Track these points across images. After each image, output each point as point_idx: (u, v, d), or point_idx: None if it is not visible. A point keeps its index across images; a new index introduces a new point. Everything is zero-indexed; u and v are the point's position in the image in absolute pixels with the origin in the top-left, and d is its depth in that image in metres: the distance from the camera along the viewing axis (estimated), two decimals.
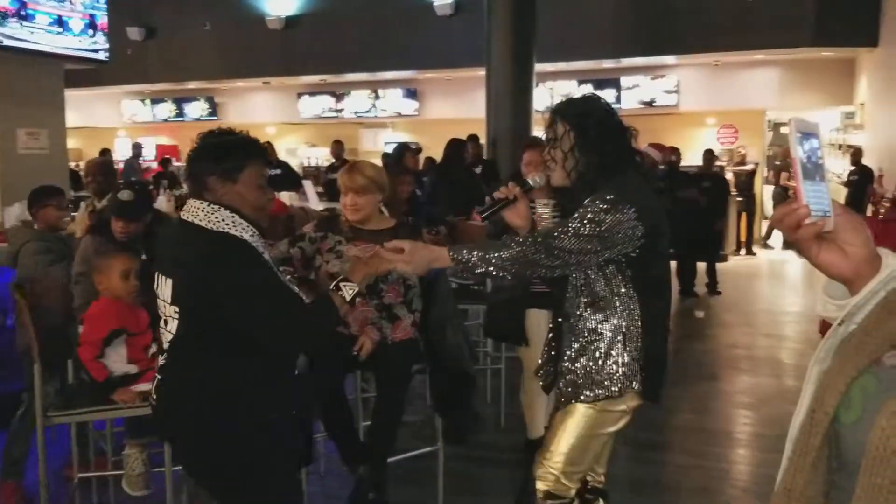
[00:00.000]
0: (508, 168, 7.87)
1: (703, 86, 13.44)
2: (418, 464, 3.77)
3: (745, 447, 4.64)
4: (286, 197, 7.94)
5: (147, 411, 3.14)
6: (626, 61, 13.15)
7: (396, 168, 6.78)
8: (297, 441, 2.47)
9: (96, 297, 3.31)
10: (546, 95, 13.80)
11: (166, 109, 17.54)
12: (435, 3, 12.81)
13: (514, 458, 4.17)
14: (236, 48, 14.34)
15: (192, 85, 16.06)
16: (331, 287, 2.41)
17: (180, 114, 17.49)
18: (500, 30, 9.38)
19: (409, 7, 12.97)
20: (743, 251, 12.32)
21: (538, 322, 3.94)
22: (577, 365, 2.43)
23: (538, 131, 9.92)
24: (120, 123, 18.17)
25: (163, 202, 8.01)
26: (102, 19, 9.02)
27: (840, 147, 12.50)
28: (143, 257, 3.46)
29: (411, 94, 15.52)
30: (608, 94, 12.68)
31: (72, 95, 9.63)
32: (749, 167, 12.88)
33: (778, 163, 13.44)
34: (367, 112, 15.93)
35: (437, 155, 9.18)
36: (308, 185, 8.45)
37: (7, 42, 7.86)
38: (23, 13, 7.98)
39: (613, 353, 2.38)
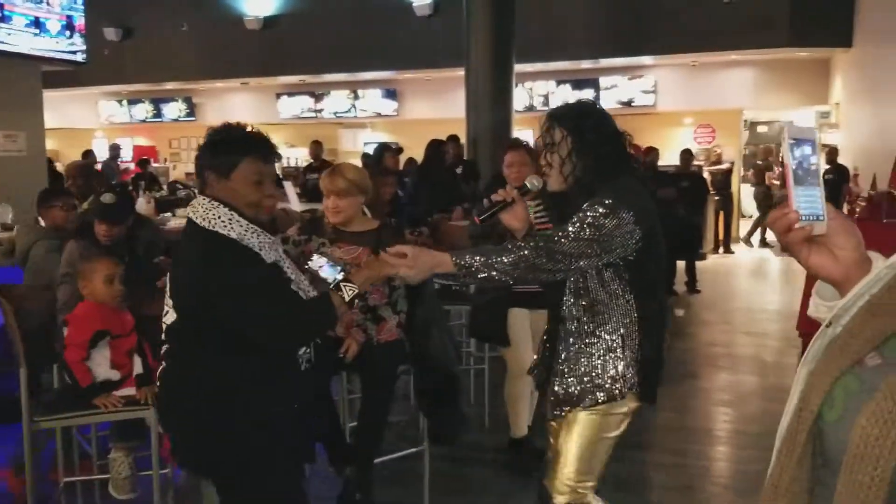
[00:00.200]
0: (489, 168, 7.88)
1: (680, 86, 13.54)
2: (404, 464, 3.78)
3: (725, 444, 4.67)
4: None
5: (133, 415, 3.16)
6: (605, 62, 13.23)
7: (377, 168, 6.79)
8: (298, 439, 2.44)
9: (81, 298, 3.29)
10: (525, 96, 13.89)
11: (144, 110, 17.40)
12: (414, 4, 12.79)
13: (498, 458, 4.21)
14: (214, 48, 14.24)
15: (169, 85, 15.96)
16: (331, 287, 2.41)
17: (158, 114, 17.36)
18: (479, 30, 9.39)
19: (388, 7, 12.94)
20: (721, 249, 12.43)
21: (521, 323, 3.98)
22: (576, 368, 2.42)
23: (518, 131, 10.05)
24: (97, 124, 18.00)
25: (142, 204, 7.95)
26: (80, 21, 8.92)
27: None
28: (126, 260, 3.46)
29: (391, 94, 15.49)
30: (587, 95, 12.75)
31: (48, 96, 9.50)
32: (725, 166, 13.00)
33: (759, 162, 13.54)
34: (346, 112, 15.90)
35: (417, 155, 9.17)
36: (289, 186, 8.37)
37: None
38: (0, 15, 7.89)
39: (613, 356, 2.39)
